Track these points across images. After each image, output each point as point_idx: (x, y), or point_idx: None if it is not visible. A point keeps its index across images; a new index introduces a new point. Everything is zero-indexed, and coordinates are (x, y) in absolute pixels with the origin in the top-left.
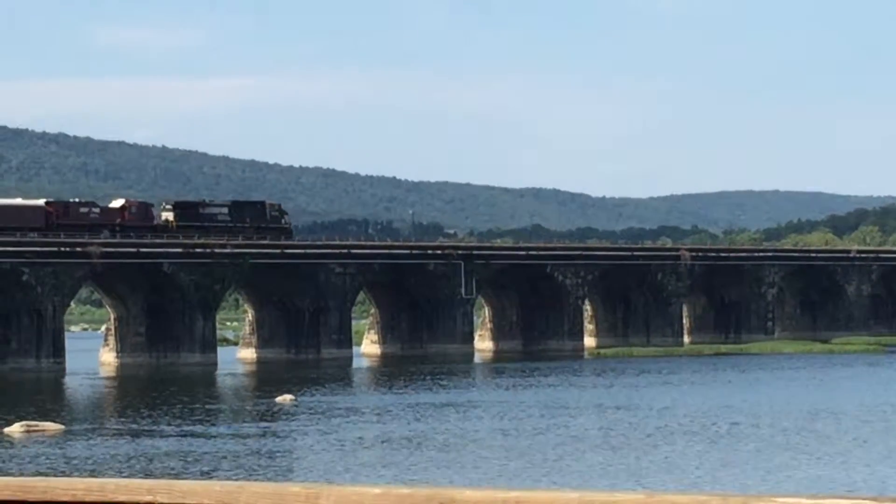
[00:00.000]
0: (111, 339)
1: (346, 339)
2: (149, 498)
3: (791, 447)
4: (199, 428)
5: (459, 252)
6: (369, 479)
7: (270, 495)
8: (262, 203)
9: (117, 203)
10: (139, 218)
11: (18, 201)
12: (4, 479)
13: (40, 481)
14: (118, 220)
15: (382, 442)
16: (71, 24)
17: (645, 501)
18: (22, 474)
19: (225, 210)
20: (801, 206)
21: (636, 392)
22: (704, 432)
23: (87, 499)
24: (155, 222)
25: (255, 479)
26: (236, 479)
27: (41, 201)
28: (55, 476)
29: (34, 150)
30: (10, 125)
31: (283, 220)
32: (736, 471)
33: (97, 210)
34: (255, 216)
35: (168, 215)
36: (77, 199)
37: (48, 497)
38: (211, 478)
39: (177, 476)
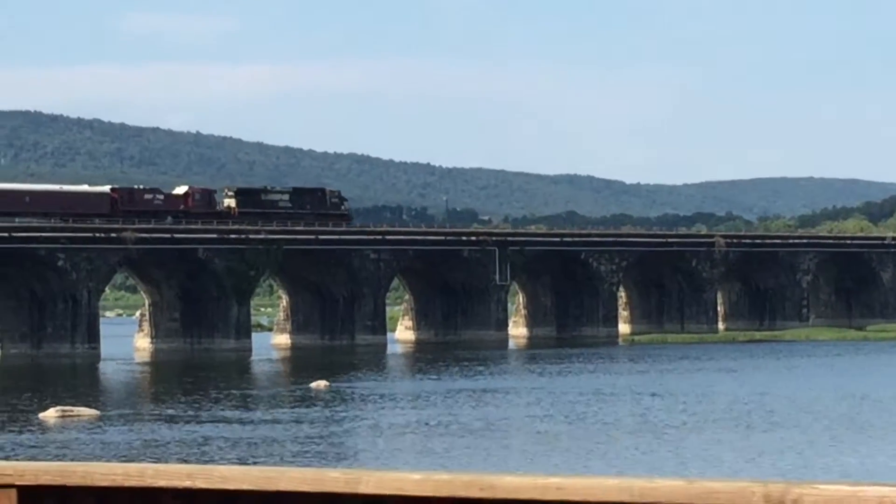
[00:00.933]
0: (146, 325)
1: (380, 326)
2: (188, 483)
3: (829, 434)
4: (233, 414)
5: (494, 238)
6: (405, 466)
7: (309, 480)
8: (323, 190)
9: (181, 190)
10: (202, 204)
11: (85, 188)
12: (44, 464)
13: (79, 466)
14: (182, 207)
15: (417, 428)
16: (106, 11)
17: (685, 488)
18: (58, 460)
19: (286, 197)
20: (837, 193)
21: (671, 379)
22: (741, 419)
23: (126, 483)
24: (217, 209)
25: (291, 465)
26: (271, 465)
27: (107, 188)
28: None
29: (69, 136)
30: (46, 111)
31: (342, 207)
32: (774, 458)
33: (161, 197)
34: (315, 203)
35: (230, 202)
36: (141, 186)
37: (87, 482)
38: (245, 463)
39: (212, 462)
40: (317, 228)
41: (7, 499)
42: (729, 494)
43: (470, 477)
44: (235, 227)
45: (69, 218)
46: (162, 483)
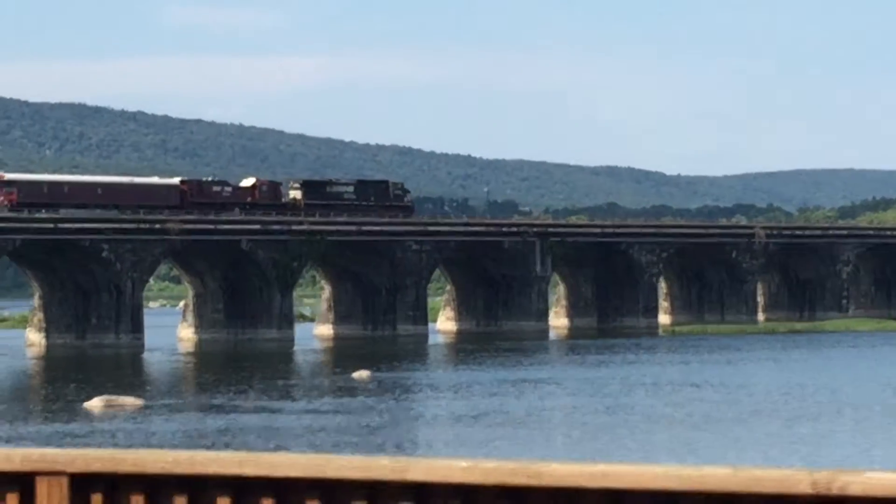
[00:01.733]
0: (189, 316)
1: (421, 316)
2: (237, 470)
3: (873, 424)
4: (276, 403)
5: (535, 229)
6: (448, 454)
7: (358, 468)
8: (386, 182)
9: (248, 182)
10: (269, 196)
11: (155, 180)
12: (95, 452)
13: (130, 453)
14: (249, 199)
15: (460, 418)
16: (151, 3)
17: (731, 476)
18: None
19: (350, 189)
20: (877, 184)
21: (713, 369)
22: (784, 409)
23: (177, 470)
24: (283, 201)
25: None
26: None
27: (176, 180)
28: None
29: (113, 128)
30: (90, 103)
31: (405, 199)
32: (818, 447)
33: (229, 189)
34: (378, 195)
35: (296, 194)
36: (211, 178)
37: (138, 469)
38: (286, 452)
39: (254, 450)
40: (359, 219)
41: (58, 486)
42: (775, 482)
43: (517, 464)
44: (279, 217)
45: (140, 210)
46: (212, 470)
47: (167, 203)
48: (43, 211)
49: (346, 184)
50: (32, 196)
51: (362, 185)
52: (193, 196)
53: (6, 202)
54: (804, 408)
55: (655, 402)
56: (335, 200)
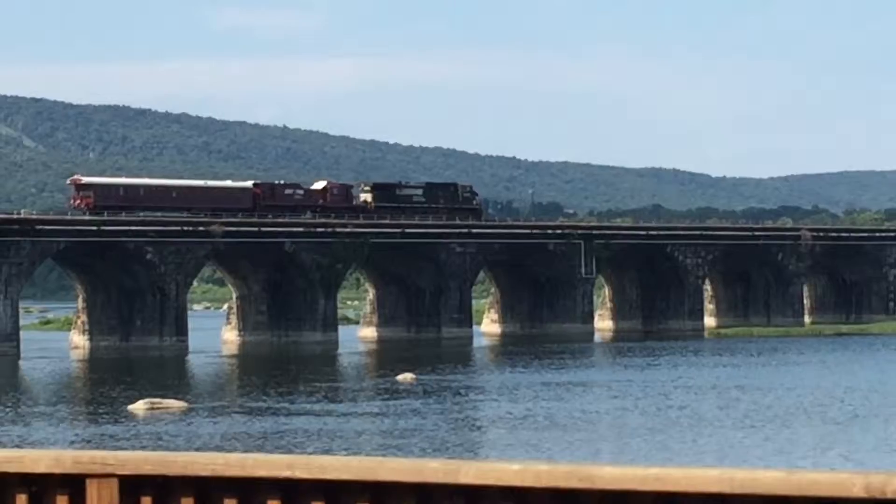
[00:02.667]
0: (233, 318)
1: (466, 318)
2: (288, 473)
3: None
4: (321, 406)
5: (579, 232)
6: (495, 457)
7: (409, 471)
8: (455, 185)
9: (319, 185)
10: (340, 199)
11: (228, 183)
12: (145, 454)
13: (180, 456)
14: (320, 202)
15: (506, 420)
16: (195, 6)
17: (785, 479)
18: (151, 451)
19: (420, 191)
20: None
21: (759, 372)
22: (833, 412)
23: (227, 473)
24: (354, 203)
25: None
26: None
27: (249, 183)
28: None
29: (157, 130)
30: (134, 105)
31: (473, 202)
32: (870, 449)
33: (301, 192)
34: (448, 197)
35: (366, 196)
36: (282, 181)
37: (188, 471)
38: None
39: (298, 453)
40: (403, 222)
41: (109, 488)
42: (829, 485)
43: (569, 467)
44: (322, 220)
45: (214, 213)
46: (262, 473)
47: (240, 206)
48: (123, 214)
49: (416, 186)
50: (109, 199)
51: (432, 188)
52: (266, 199)
53: (83, 205)
54: (854, 410)
55: (703, 404)
56: (405, 203)
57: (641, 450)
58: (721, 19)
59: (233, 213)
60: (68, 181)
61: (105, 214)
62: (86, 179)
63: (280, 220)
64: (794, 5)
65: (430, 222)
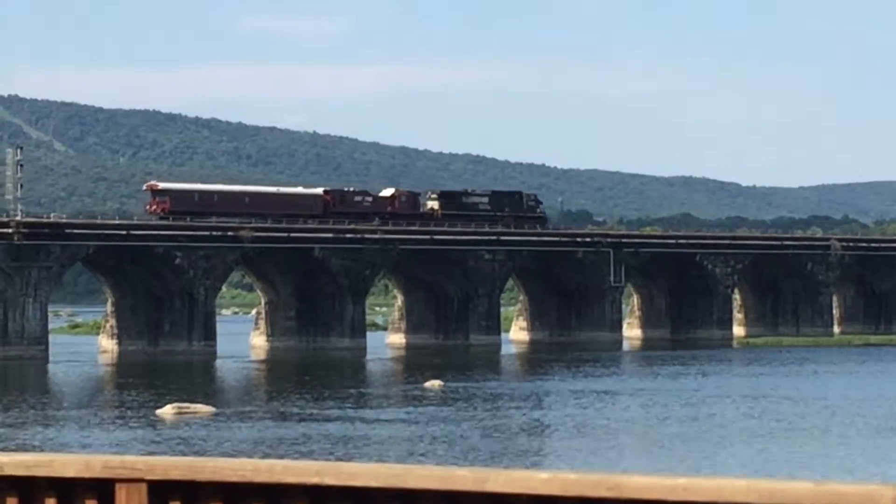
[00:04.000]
0: (262, 323)
1: (494, 326)
2: (316, 479)
3: None
4: (348, 412)
5: (608, 240)
6: (523, 465)
7: (438, 478)
8: (520, 193)
9: (388, 192)
10: (408, 206)
11: (300, 190)
12: (173, 459)
13: (208, 461)
14: (388, 209)
15: (534, 428)
16: (225, 12)
17: (813, 490)
18: (176, 456)
19: (485, 199)
20: None
21: (788, 381)
22: (861, 423)
23: (256, 479)
24: (421, 211)
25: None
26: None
27: (320, 190)
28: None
29: (187, 135)
30: (164, 110)
31: (538, 210)
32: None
33: (370, 199)
34: (513, 205)
35: (433, 204)
36: (351, 188)
37: (217, 477)
38: (361, 461)
39: (326, 459)
40: (431, 228)
41: (137, 493)
42: (858, 497)
43: (597, 476)
44: (351, 226)
45: (285, 219)
46: (291, 479)
47: (311, 212)
48: (187, 218)
49: (482, 194)
50: (183, 204)
51: (497, 196)
52: (336, 206)
53: (159, 210)
54: (883, 421)
55: (731, 413)
56: (471, 211)
57: (670, 458)
58: (753, 27)
59: (304, 220)
60: (144, 187)
61: (170, 219)
62: (162, 185)
63: (309, 225)
64: (828, 13)
65: (458, 229)
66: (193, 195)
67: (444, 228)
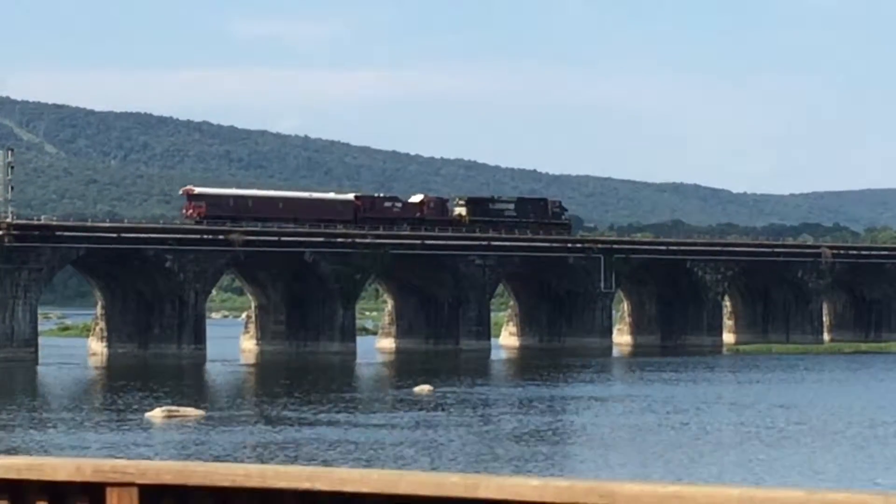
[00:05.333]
0: (252, 327)
1: (484, 331)
2: (308, 484)
3: None
4: (338, 417)
5: (599, 246)
6: (512, 472)
7: (429, 485)
8: (545, 200)
9: (417, 198)
10: (436, 212)
11: (331, 196)
12: (165, 464)
13: (200, 466)
14: (417, 214)
15: (524, 434)
16: (218, 15)
17: (805, 499)
18: (164, 459)
19: (511, 206)
20: None
21: (777, 389)
22: (850, 431)
23: (248, 484)
24: (449, 217)
25: (398, 469)
26: (376, 468)
27: (351, 196)
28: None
29: (178, 138)
30: (156, 113)
31: (562, 217)
32: (886, 469)
33: (399, 204)
34: (538, 212)
35: (461, 210)
36: (381, 194)
37: (208, 481)
38: (351, 466)
39: (316, 463)
40: (423, 233)
41: (128, 497)
42: None
43: (589, 484)
44: (342, 230)
45: (318, 224)
46: (282, 484)
47: (342, 217)
48: (227, 223)
49: (508, 201)
50: (219, 209)
51: (522, 203)
52: (366, 211)
53: (195, 215)
54: (870, 429)
55: (722, 420)
56: (497, 217)
57: (661, 466)
58: (744, 35)
59: (335, 225)
60: (181, 191)
61: (205, 223)
62: (198, 190)
63: (300, 229)
64: (819, 22)
65: (448, 234)
66: (229, 200)
67: (435, 233)
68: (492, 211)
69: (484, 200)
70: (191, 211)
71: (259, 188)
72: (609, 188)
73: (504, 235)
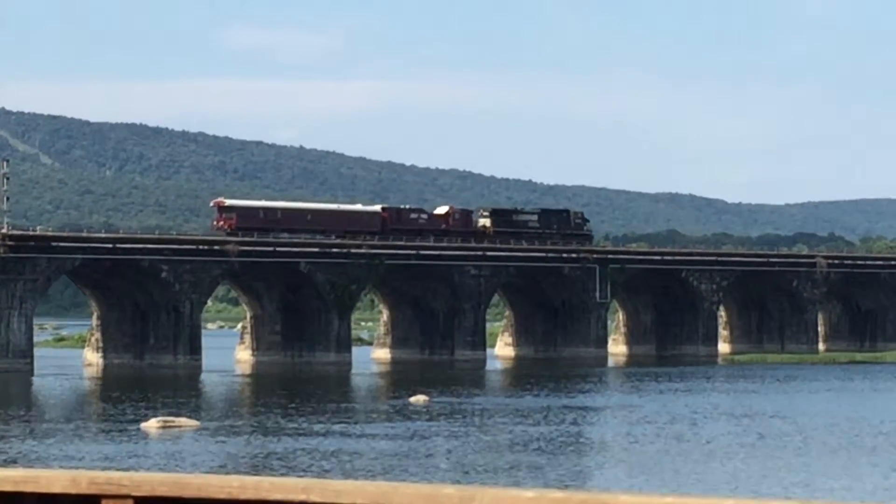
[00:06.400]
0: (247, 338)
1: (480, 341)
2: (303, 496)
3: None
4: (334, 427)
5: (595, 256)
6: (509, 482)
7: (424, 496)
8: (567, 211)
9: (442, 210)
10: (461, 223)
11: (359, 207)
12: (160, 476)
13: (195, 478)
14: (443, 226)
15: (520, 445)
16: (213, 26)
17: None
18: (159, 470)
19: (535, 217)
20: None
21: (772, 399)
22: (843, 441)
23: (242, 496)
24: (474, 228)
25: (391, 480)
26: (371, 479)
27: (378, 207)
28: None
29: (174, 149)
30: (151, 124)
31: (584, 228)
32: (879, 480)
33: (425, 216)
34: (561, 223)
35: (485, 221)
36: (407, 206)
37: (203, 494)
38: (345, 477)
39: (315, 474)
40: (418, 244)
41: None
42: None
43: (584, 495)
44: (337, 241)
45: (345, 235)
46: (277, 496)
47: (370, 229)
48: (256, 234)
49: (531, 212)
50: (249, 221)
51: (545, 214)
52: (393, 223)
53: (226, 226)
54: (863, 440)
55: (717, 430)
56: (521, 228)
57: (653, 476)
58: (739, 46)
59: (363, 236)
60: (212, 203)
61: (239, 234)
62: (229, 202)
63: (295, 240)
64: (812, 33)
65: (444, 244)
66: (259, 212)
67: (430, 244)
68: (516, 222)
69: (508, 212)
70: (221, 223)
71: (255, 199)
72: (604, 198)
73: (499, 245)
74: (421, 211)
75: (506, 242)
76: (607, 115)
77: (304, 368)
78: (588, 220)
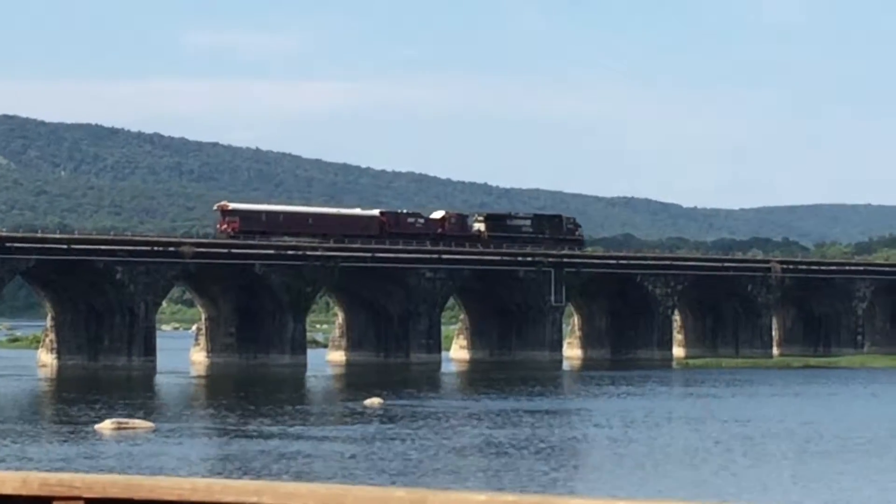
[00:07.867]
0: (202, 339)
1: (435, 344)
2: (255, 499)
3: (883, 462)
4: (287, 429)
5: (550, 260)
6: (460, 485)
7: (375, 499)
8: (560, 216)
9: (438, 214)
10: (457, 228)
11: (357, 211)
12: (111, 477)
13: (147, 480)
14: (439, 230)
15: (471, 448)
16: (169, 26)
17: None
18: (113, 472)
19: (528, 222)
20: (894, 221)
21: (725, 403)
22: (796, 446)
23: (194, 498)
24: (469, 232)
25: (343, 482)
26: (324, 482)
27: (376, 212)
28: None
29: (129, 150)
30: (106, 124)
31: (576, 233)
32: (831, 485)
33: (422, 220)
34: (553, 228)
35: (480, 226)
36: (405, 210)
37: (155, 496)
38: (299, 479)
39: (266, 477)
40: (373, 246)
41: None
42: None
43: (537, 498)
44: (292, 242)
45: (344, 239)
46: (229, 499)
47: (368, 232)
48: (258, 238)
49: (524, 217)
50: (252, 224)
51: (538, 219)
52: (391, 227)
53: (229, 229)
54: (816, 445)
55: (672, 435)
56: (515, 233)
57: (606, 480)
58: (695, 51)
59: (362, 240)
60: (215, 207)
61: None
62: (232, 206)
63: (250, 241)
64: (770, 38)
65: (399, 247)
66: (261, 215)
67: (385, 246)
68: (509, 227)
69: (502, 217)
70: (225, 226)
71: (210, 201)
72: (559, 202)
73: (454, 248)
74: (418, 215)
75: (499, 246)
76: (563, 118)
77: (259, 370)
78: (580, 226)
